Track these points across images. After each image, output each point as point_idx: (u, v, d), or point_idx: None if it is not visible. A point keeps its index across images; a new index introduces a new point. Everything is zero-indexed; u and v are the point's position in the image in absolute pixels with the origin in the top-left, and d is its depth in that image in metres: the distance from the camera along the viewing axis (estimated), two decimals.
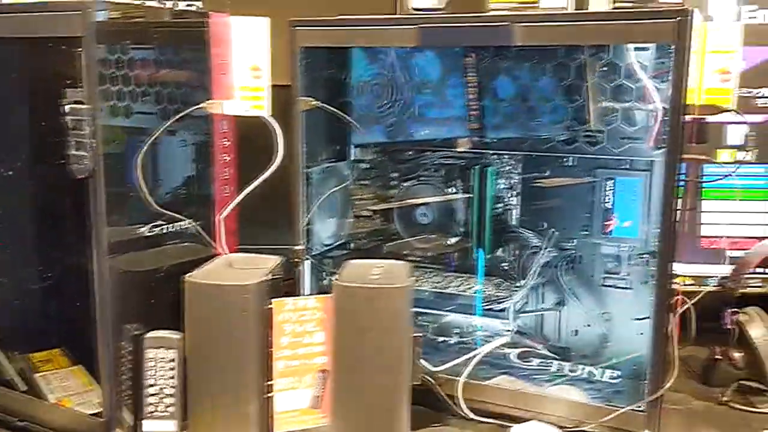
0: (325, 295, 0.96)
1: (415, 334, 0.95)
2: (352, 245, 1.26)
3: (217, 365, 0.93)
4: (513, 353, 1.09)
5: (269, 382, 0.94)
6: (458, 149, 1.18)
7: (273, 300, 0.95)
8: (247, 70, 1.06)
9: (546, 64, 1.09)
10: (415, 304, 1.13)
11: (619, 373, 1.06)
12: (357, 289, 0.92)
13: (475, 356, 1.00)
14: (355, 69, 1.22)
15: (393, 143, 1.22)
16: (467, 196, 1.18)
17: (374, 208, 1.25)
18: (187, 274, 0.94)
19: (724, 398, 1.09)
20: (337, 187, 1.20)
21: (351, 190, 1.25)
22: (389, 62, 1.21)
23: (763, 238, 1.14)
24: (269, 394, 0.95)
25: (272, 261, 1.01)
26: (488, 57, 1.12)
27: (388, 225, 1.25)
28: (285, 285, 1.05)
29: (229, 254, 1.05)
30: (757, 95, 1.14)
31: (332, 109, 1.12)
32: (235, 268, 0.98)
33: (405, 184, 1.23)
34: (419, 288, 1.15)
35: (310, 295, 1.03)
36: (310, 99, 1.10)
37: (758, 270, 1.13)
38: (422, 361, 0.98)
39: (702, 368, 1.16)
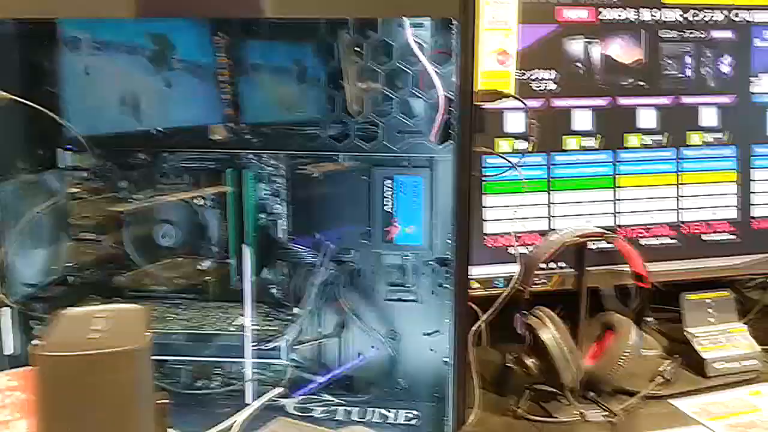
0: (25, 369, 0.68)
1: (159, 401, 0.72)
2: (72, 280, 0.97)
3: None
4: (289, 405, 0.89)
5: None
6: (213, 137, 0.94)
7: None
8: None
9: (308, 44, 0.90)
10: (162, 352, 0.90)
11: (416, 412, 0.92)
12: (67, 360, 0.65)
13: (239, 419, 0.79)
14: (65, 50, 0.93)
15: (119, 141, 0.95)
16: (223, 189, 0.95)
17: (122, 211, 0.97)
18: None
19: (520, 410, 1.00)
20: (44, 205, 0.90)
21: (66, 207, 0.96)
22: (110, 39, 0.93)
23: (547, 232, 1.07)
24: None
25: None
26: (239, 36, 0.91)
27: (121, 250, 0.98)
28: None
29: None
30: (531, 78, 1.05)
31: (29, 103, 0.83)
32: None
33: (139, 196, 0.97)
34: (167, 331, 0.90)
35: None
36: None
37: (542, 266, 1.05)
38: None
39: (494, 377, 1.06)
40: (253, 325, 0.91)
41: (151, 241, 0.97)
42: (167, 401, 0.73)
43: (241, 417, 0.83)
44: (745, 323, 1.16)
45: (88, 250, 0.98)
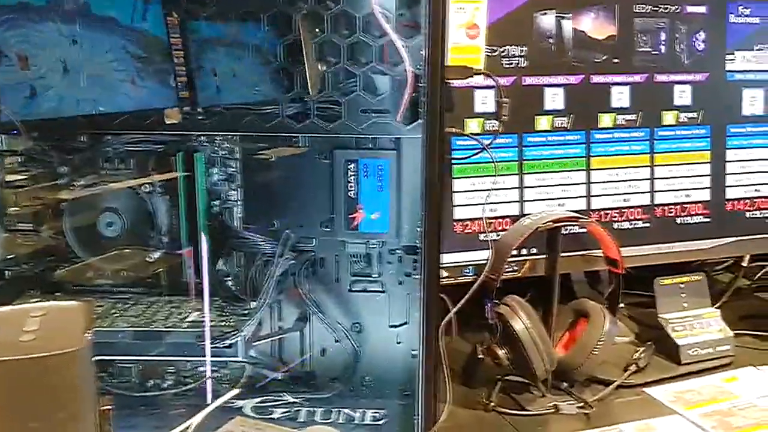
0: None
1: (102, 407, 0.65)
2: (7, 274, 0.89)
3: None
4: (247, 406, 0.83)
5: None
6: (168, 121, 0.86)
7: None
8: None
9: (263, 17, 0.83)
10: (108, 351, 0.83)
11: (384, 411, 0.86)
12: None
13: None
14: None
15: (56, 123, 0.86)
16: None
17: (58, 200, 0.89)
18: None
19: (492, 403, 0.96)
20: None
21: (0, 195, 0.88)
22: (42, 12, 0.84)
23: (520, 216, 1.02)
24: None
25: None
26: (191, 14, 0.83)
27: (62, 241, 0.90)
28: None
29: None
30: (501, 54, 1.00)
31: None
32: None
33: (80, 182, 0.89)
34: (113, 329, 0.83)
35: None
36: None
37: (513, 253, 1.00)
38: None
39: (463, 368, 1.02)
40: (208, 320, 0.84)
41: (94, 232, 0.90)
42: (111, 407, 0.66)
43: (196, 420, 0.77)
44: (717, 307, 1.14)
45: (25, 242, 0.90)
